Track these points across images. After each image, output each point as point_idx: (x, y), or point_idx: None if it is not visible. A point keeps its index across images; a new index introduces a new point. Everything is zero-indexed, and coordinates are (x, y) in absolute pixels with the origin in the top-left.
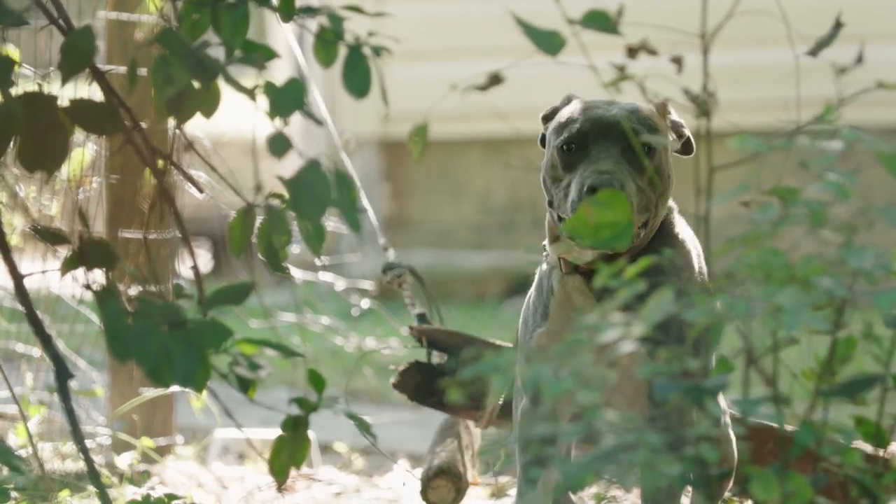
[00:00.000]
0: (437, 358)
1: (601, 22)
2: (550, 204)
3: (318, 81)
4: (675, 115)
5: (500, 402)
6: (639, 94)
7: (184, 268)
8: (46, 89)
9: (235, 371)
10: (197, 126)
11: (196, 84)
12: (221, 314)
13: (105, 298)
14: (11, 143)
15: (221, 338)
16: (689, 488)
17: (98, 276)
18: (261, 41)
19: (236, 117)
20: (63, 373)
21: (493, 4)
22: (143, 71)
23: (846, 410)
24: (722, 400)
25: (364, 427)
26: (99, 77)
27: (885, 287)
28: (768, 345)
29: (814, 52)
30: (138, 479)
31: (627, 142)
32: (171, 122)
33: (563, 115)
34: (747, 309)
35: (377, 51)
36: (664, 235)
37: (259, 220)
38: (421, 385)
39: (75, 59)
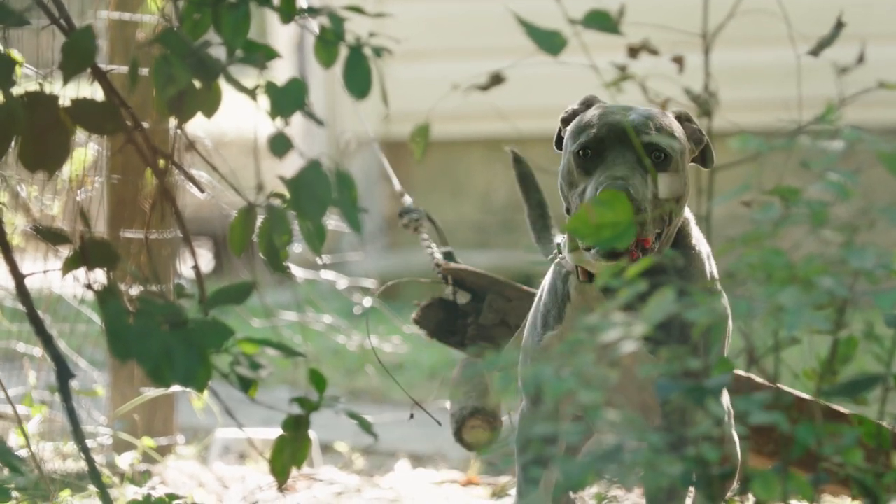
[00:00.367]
0: (461, 297)
1: (602, 22)
2: (568, 210)
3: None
4: (694, 125)
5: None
6: (640, 93)
7: (185, 267)
8: (48, 89)
9: (236, 370)
10: (198, 126)
11: (197, 84)
12: (223, 314)
13: (106, 298)
14: (13, 143)
15: (223, 337)
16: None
17: (99, 276)
18: (262, 41)
19: (237, 117)
20: (64, 372)
21: (493, 4)
22: (144, 71)
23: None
24: (726, 399)
25: (365, 426)
26: (100, 77)
27: (886, 287)
28: (770, 344)
29: (815, 52)
30: (139, 478)
31: (644, 148)
32: (173, 121)
33: (580, 121)
34: (749, 309)
35: (378, 51)
36: (680, 246)
37: (260, 219)
38: (443, 322)
39: (77, 58)
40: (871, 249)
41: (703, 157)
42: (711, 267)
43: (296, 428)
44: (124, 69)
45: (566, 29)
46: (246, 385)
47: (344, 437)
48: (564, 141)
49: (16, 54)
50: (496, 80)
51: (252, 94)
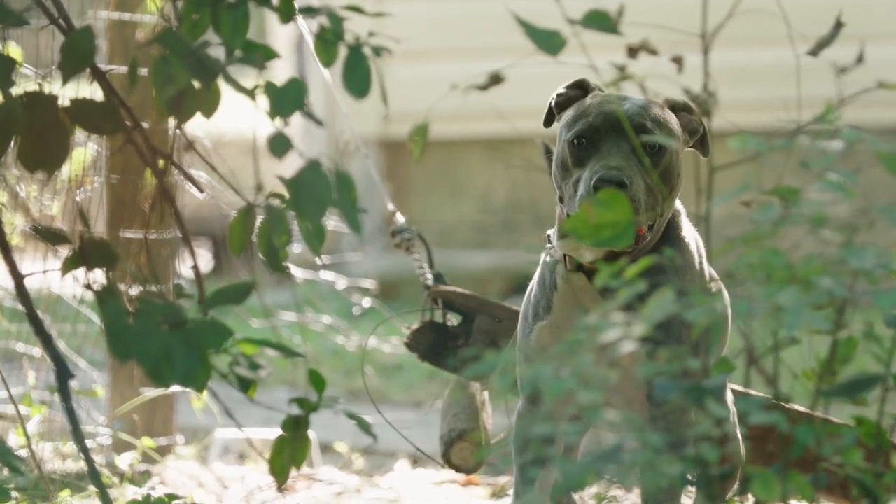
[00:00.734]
0: (450, 319)
1: (601, 22)
2: (561, 200)
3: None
4: (692, 115)
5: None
6: (639, 93)
7: (184, 267)
8: (47, 89)
9: (236, 371)
10: (197, 126)
11: (196, 84)
12: (222, 314)
13: (106, 298)
14: (12, 143)
15: (222, 337)
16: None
17: (99, 276)
18: (261, 41)
19: (237, 117)
20: (64, 373)
21: (493, 4)
22: (143, 71)
23: (847, 410)
24: (730, 398)
25: (365, 427)
26: (99, 77)
27: (886, 287)
28: (769, 345)
29: (814, 52)
30: (139, 479)
31: (638, 139)
32: (172, 121)
33: (575, 110)
34: (748, 309)
35: (377, 51)
36: (670, 238)
37: (259, 219)
38: (433, 345)
39: (76, 58)
40: (871, 249)
41: (703, 146)
42: (701, 253)
43: (295, 428)
44: (123, 69)
45: (565, 29)
46: (245, 385)
47: (343, 437)
48: (559, 130)
49: (14, 49)
50: (495, 79)
51: (251, 94)
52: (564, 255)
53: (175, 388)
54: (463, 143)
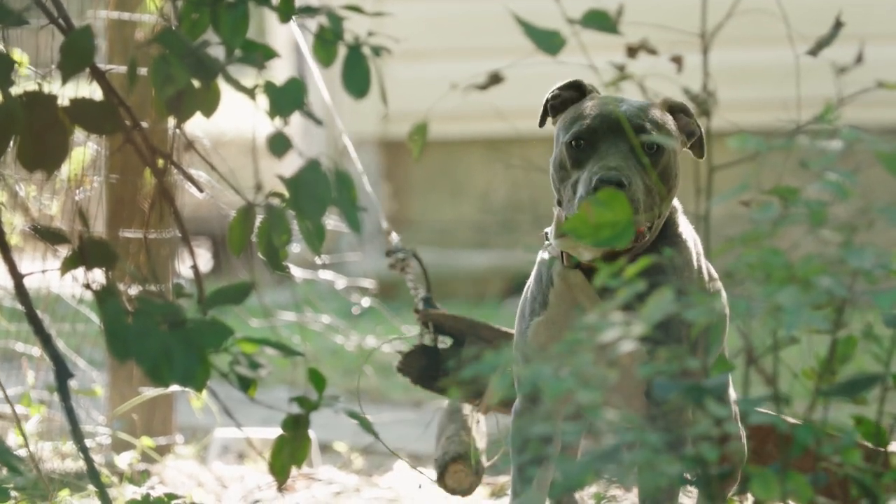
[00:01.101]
0: (442, 342)
1: (601, 21)
2: (559, 203)
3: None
4: (689, 116)
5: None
6: (639, 93)
7: (184, 267)
8: (46, 89)
9: (236, 370)
10: (197, 125)
11: (196, 83)
12: (221, 313)
13: (105, 298)
14: (11, 143)
15: (221, 337)
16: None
17: (98, 276)
18: (260, 41)
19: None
20: (63, 372)
21: (493, 4)
22: (143, 70)
23: (846, 410)
24: (733, 396)
25: (366, 425)
26: (99, 76)
27: (885, 286)
28: (769, 344)
29: (814, 52)
30: (138, 478)
31: (637, 139)
32: (171, 121)
33: (572, 112)
34: (747, 308)
35: (377, 51)
36: (667, 235)
37: (259, 219)
38: (425, 369)
39: (75, 58)
40: (870, 249)
41: (699, 148)
42: (699, 251)
43: (295, 427)
44: (123, 69)
45: (565, 29)
46: (245, 385)
47: (343, 436)
48: (556, 132)
49: (18, 53)
50: (495, 79)
51: (251, 93)
52: (562, 253)
53: (174, 387)
54: (463, 143)
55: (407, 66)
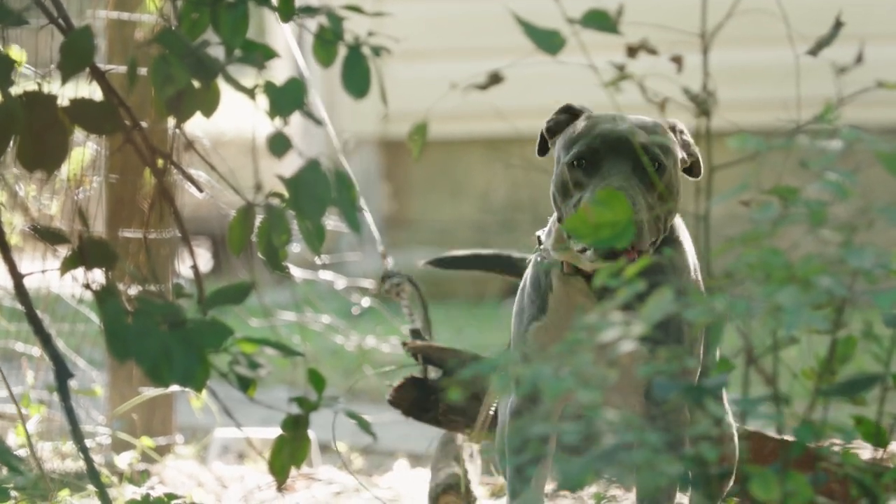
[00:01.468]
0: (432, 373)
1: (601, 21)
2: (560, 220)
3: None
4: (685, 136)
5: (491, 414)
6: (639, 93)
7: (184, 267)
8: (46, 89)
9: (235, 370)
10: (197, 125)
11: (196, 83)
12: (221, 313)
13: (105, 298)
14: (11, 143)
15: (221, 337)
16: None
17: (98, 276)
18: (260, 40)
19: (236, 117)
20: (63, 372)
21: (493, 4)
22: (143, 70)
23: (846, 410)
24: (726, 399)
25: (364, 426)
26: (99, 76)
27: (885, 286)
28: (768, 344)
29: (814, 52)
30: (138, 478)
31: (638, 158)
32: (171, 121)
33: (572, 131)
34: (747, 308)
35: (376, 50)
36: (668, 239)
37: (259, 219)
38: (416, 401)
39: (75, 58)
40: (870, 249)
41: (691, 169)
42: (696, 261)
43: (295, 427)
44: (123, 69)
45: (565, 28)
46: (245, 384)
47: (343, 436)
48: (556, 152)
49: (16, 52)
50: (495, 79)
51: (251, 93)
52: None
53: (174, 387)
54: (463, 143)
55: (407, 66)
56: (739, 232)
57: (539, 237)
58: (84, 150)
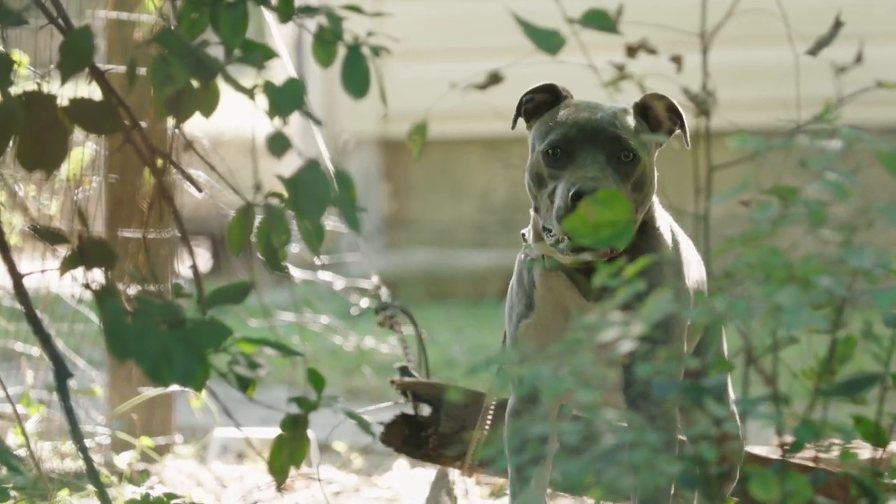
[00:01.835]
0: (423, 409)
1: (601, 21)
2: (536, 209)
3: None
4: (662, 111)
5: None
6: (639, 93)
7: (183, 267)
8: (46, 88)
9: (235, 370)
10: (196, 125)
11: (195, 83)
12: (221, 313)
13: (104, 298)
14: (11, 143)
15: (221, 337)
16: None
17: (97, 276)
18: (260, 40)
19: (235, 117)
20: (62, 372)
21: (492, 4)
22: (142, 70)
23: (846, 410)
24: (731, 396)
25: (364, 426)
26: (98, 76)
27: (885, 286)
28: (768, 344)
29: (813, 52)
30: (137, 478)
31: (613, 148)
32: (171, 121)
33: (548, 120)
34: (747, 308)
35: (376, 51)
36: (645, 230)
37: (258, 219)
38: (408, 438)
39: (75, 58)
40: (870, 249)
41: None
42: (677, 240)
43: (294, 427)
44: (122, 69)
45: (564, 28)
46: (244, 384)
47: (342, 436)
48: (531, 138)
49: (18, 54)
50: (494, 79)
51: (250, 93)
52: (542, 255)
53: (174, 387)
54: (462, 143)
55: (407, 66)
56: (739, 232)
57: (524, 234)
58: (83, 149)
